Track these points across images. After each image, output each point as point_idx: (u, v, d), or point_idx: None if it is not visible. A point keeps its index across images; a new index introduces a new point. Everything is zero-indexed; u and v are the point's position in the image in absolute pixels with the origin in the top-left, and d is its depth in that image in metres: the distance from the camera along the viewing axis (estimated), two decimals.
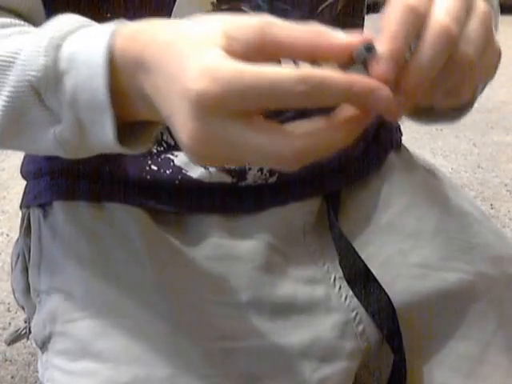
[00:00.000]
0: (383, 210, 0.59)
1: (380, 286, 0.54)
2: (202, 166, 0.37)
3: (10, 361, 1.14)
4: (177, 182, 0.54)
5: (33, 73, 0.40)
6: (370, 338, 0.54)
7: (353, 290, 0.55)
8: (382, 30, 0.33)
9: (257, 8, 0.55)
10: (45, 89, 0.40)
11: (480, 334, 0.54)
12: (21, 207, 0.64)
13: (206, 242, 0.55)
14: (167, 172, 0.53)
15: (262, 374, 0.49)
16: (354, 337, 0.53)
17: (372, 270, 0.54)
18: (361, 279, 0.54)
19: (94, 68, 0.38)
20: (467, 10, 0.36)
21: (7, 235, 1.59)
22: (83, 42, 0.39)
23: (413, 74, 0.34)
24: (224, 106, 0.32)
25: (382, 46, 0.33)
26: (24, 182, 0.64)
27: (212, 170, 0.53)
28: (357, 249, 0.55)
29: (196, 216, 0.56)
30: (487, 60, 0.37)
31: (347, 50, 0.32)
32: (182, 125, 0.34)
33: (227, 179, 0.54)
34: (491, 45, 0.37)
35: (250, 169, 0.54)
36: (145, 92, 0.37)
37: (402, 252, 0.57)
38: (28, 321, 0.62)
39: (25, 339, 0.64)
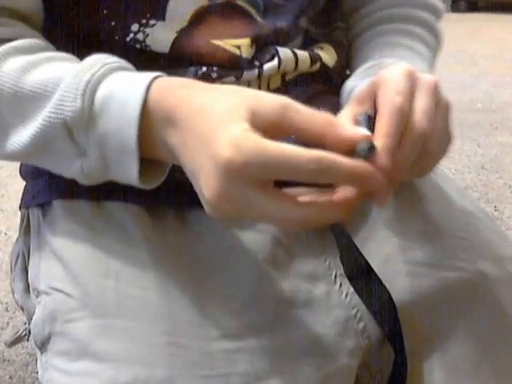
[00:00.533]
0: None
1: (381, 283, 0.53)
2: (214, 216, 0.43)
3: (8, 361, 1.14)
4: (177, 175, 0.54)
5: (68, 112, 0.44)
6: (371, 336, 0.53)
7: (354, 286, 0.54)
8: (376, 129, 0.43)
9: (252, 2, 0.55)
10: (77, 128, 0.45)
11: (481, 333, 0.54)
12: (20, 207, 0.64)
13: (208, 237, 0.55)
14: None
15: (263, 373, 0.49)
16: (355, 334, 0.53)
17: (373, 266, 0.54)
18: (362, 276, 0.54)
19: (128, 116, 0.43)
20: (436, 103, 0.46)
21: (5, 234, 1.59)
22: (119, 88, 0.45)
23: (399, 165, 0.43)
24: (246, 174, 0.38)
25: (379, 143, 0.41)
26: (22, 181, 0.64)
27: None
28: (358, 245, 0.55)
29: (197, 211, 0.55)
30: (445, 145, 0.48)
31: (350, 144, 0.39)
32: (208, 182, 0.40)
33: None
34: (448, 133, 0.48)
35: None
36: (169, 143, 0.43)
37: (402, 249, 0.56)
38: (28, 322, 0.62)
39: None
